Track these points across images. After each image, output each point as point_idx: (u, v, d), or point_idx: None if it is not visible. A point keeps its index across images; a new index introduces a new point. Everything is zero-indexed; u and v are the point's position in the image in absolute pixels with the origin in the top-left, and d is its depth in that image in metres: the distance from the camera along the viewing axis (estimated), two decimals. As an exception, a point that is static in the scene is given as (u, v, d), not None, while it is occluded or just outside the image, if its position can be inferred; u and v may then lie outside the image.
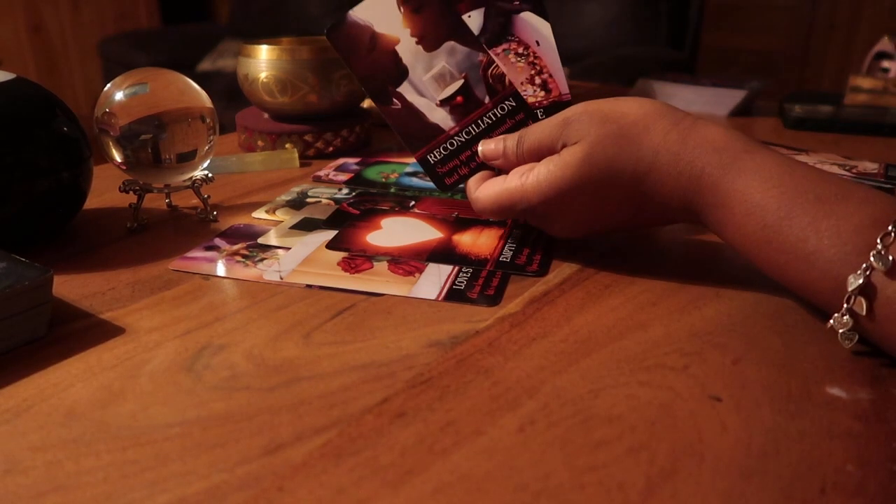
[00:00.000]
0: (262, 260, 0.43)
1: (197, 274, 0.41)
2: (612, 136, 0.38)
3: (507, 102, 0.44)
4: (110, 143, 0.45)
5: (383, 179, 0.59)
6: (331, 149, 0.66)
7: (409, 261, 0.42)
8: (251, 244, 0.45)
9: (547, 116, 0.43)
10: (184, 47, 2.66)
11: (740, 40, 2.58)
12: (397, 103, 0.45)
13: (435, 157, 0.45)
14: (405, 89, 0.45)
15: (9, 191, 0.40)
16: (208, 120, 0.47)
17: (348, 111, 0.69)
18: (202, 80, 0.56)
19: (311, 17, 2.67)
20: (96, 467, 0.25)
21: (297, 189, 0.56)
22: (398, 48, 0.44)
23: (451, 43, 0.43)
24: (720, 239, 0.38)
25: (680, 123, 0.38)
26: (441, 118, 0.45)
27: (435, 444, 0.26)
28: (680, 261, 0.42)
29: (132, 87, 0.45)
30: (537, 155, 0.41)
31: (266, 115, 0.69)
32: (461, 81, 0.44)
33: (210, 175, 0.49)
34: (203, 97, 0.48)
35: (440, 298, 0.38)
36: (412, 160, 0.64)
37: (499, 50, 0.44)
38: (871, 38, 1.04)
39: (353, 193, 0.55)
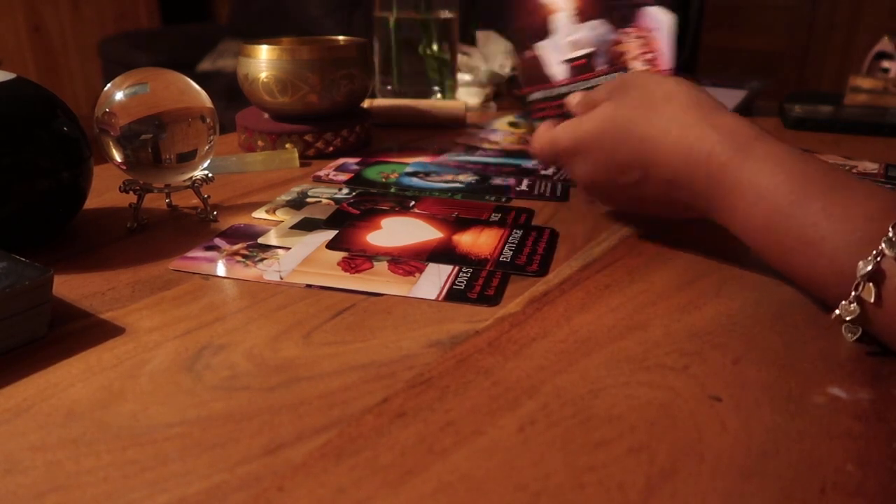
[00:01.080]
0: (262, 260, 0.43)
1: (197, 274, 0.41)
2: (637, 100, 0.41)
3: (616, 75, 0.52)
4: (110, 143, 0.45)
5: (383, 179, 0.59)
6: (331, 149, 0.66)
7: (409, 261, 0.42)
8: (251, 244, 0.45)
9: None
10: (184, 47, 2.66)
11: (740, 40, 2.59)
12: (532, 52, 0.55)
13: (536, 95, 0.55)
14: (544, 45, 0.55)
15: (9, 191, 0.40)
16: (208, 120, 0.47)
17: (348, 111, 0.69)
18: (202, 80, 0.56)
19: (311, 17, 2.67)
20: (96, 467, 0.25)
21: (297, 189, 0.56)
22: (554, 15, 0.54)
23: (597, 21, 0.54)
24: (724, 224, 0.38)
25: (703, 105, 0.39)
26: (558, 71, 0.54)
27: (435, 444, 0.26)
28: (680, 261, 0.42)
29: (132, 87, 0.45)
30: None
31: (266, 115, 0.69)
32: (589, 50, 0.54)
33: (210, 175, 0.49)
34: (203, 97, 0.48)
35: (440, 298, 0.38)
36: (412, 160, 0.64)
37: (624, 31, 0.53)
38: (871, 38, 1.04)
39: (353, 193, 0.55)
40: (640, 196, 0.42)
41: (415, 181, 0.58)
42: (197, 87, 0.48)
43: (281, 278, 0.40)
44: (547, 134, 0.46)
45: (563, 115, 0.50)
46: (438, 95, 0.87)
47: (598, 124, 0.42)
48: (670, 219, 0.48)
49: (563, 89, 0.53)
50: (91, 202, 0.49)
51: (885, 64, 0.86)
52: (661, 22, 0.52)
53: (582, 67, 0.53)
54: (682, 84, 0.41)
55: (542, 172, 0.61)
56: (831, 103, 0.80)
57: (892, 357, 0.32)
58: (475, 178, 0.59)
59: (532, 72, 0.55)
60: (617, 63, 0.52)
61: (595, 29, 0.53)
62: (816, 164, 0.35)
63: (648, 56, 0.52)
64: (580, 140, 0.43)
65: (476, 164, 0.64)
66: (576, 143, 0.43)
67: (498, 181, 0.58)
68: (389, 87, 0.87)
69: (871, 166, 0.61)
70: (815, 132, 0.77)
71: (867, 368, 0.31)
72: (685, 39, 2.18)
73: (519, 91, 0.56)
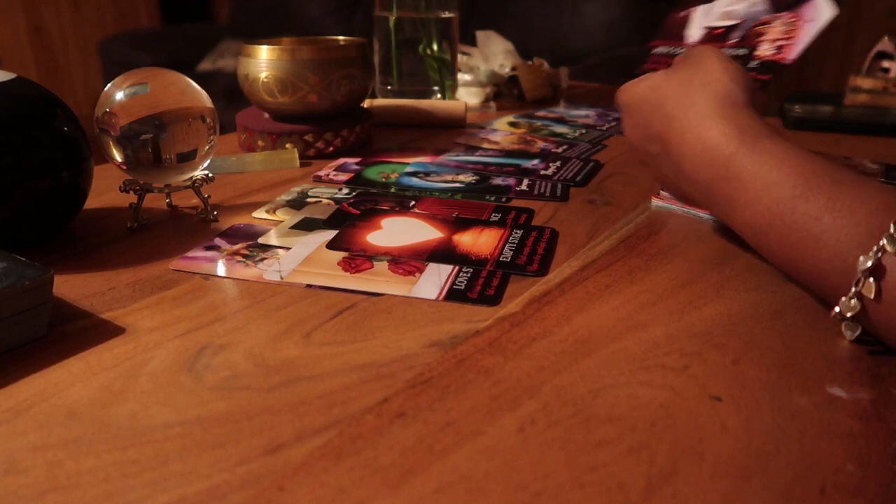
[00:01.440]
0: (262, 260, 0.43)
1: (197, 274, 0.41)
2: (682, 77, 0.42)
3: (739, 51, 0.52)
4: (110, 143, 0.45)
5: (383, 179, 0.59)
6: (331, 149, 0.66)
7: (409, 261, 0.42)
8: (251, 244, 0.45)
9: (756, 70, 0.50)
10: (184, 47, 2.66)
11: (740, 40, 2.58)
12: (685, 13, 0.56)
13: (658, 50, 0.56)
14: (701, 8, 0.55)
15: (9, 191, 0.40)
16: (209, 120, 0.47)
17: (348, 111, 0.69)
18: (202, 80, 0.56)
19: (311, 17, 2.67)
20: (96, 467, 0.25)
21: (297, 189, 0.56)
22: None
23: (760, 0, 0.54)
24: (724, 219, 0.38)
25: (729, 98, 0.40)
26: (694, 34, 0.55)
27: (435, 444, 0.26)
28: (680, 261, 0.42)
29: (132, 87, 0.45)
30: None
31: (266, 115, 0.69)
32: (734, 23, 0.53)
33: (210, 175, 0.49)
34: (203, 97, 0.48)
35: (440, 298, 0.38)
36: (412, 160, 0.64)
37: (780, 14, 0.52)
38: (871, 39, 1.04)
39: (354, 193, 0.55)
40: (661, 171, 0.43)
41: (415, 181, 0.58)
42: (197, 87, 0.48)
43: (281, 278, 0.40)
44: (622, 86, 0.48)
45: None
46: (438, 95, 0.87)
47: (645, 90, 0.44)
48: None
49: (681, 50, 0.54)
50: (91, 202, 0.49)
51: (885, 64, 0.86)
52: (820, 15, 0.51)
53: (717, 36, 0.53)
54: (729, 73, 0.41)
55: (542, 172, 0.61)
56: (831, 103, 0.80)
57: (892, 356, 0.32)
58: (475, 178, 0.59)
59: (673, 30, 0.56)
60: (748, 41, 0.52)
61: (753, 6, 0.53)
62: (822, 162, 0.35)
63: (781, 42, 0.51)
64: (631, 99, 0.46)
65: (476, 164, 0.64)
66: (627, 101, 0.46)
67: (498, 181, 0.58)
68: (389, 87, 0.87)
69: (871, 166, 0.61)
70: (815, 132, 0.77)
71: (867, 368, 0.31)
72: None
73: (649, 44, 0.57)
